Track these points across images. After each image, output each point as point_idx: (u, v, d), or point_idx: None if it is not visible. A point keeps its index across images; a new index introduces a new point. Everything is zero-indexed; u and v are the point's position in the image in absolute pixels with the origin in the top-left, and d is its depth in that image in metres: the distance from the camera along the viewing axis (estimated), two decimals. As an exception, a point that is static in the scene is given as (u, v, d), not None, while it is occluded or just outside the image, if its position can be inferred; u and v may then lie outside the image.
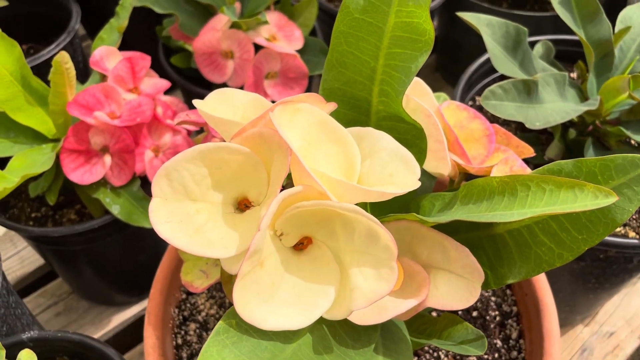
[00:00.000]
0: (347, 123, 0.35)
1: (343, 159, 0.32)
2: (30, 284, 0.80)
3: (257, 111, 0.34)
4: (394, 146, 0.32)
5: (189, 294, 0.53)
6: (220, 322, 0.27)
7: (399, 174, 0.31)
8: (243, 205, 0.31)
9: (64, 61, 0.52)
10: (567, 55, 0.69)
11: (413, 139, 0.35)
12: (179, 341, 0.49)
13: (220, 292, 0.52)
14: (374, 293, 0.28)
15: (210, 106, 0.33)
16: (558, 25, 0.82)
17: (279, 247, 0.30)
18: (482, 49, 0.71)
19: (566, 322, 0.73)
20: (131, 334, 0.76)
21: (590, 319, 0.76)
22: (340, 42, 0.35)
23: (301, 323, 0.28)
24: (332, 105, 0.33)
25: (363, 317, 0.31)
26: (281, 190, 0.28)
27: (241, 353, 0.27)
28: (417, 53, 0.33)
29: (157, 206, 0.29)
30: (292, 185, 0.29)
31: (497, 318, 0.51)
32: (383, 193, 0.28)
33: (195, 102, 0.33)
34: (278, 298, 0.28)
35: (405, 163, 0.31)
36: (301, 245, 0.31)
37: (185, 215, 0.29)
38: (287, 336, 0.29)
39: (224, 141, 0.44)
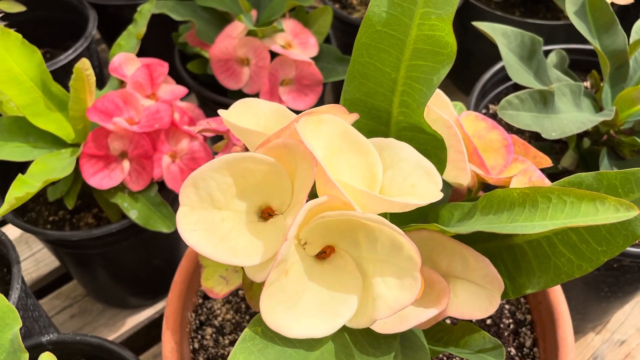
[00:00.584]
0: (367, 133, 0.35)
1: (365, 169, 0.32)
2: (45, 285, 0.81)
3: (279, 121, 0.35)
4: (416, 157, 0.32)
5: (205, 298, 0.53)
6: (246, 329, 0.28)
7: (421, 185, 0.31)
8: (266, 213, 0.32)
9: (84, 68, 0.53)
10: (580, 64, 0.69)
11: (433, 149, 0.35)
12: (196, 345, 0.50)
13: (237, 297, 0.53)
14: (397, 303, 0.28)
15: (234, 116, 0.34)
16: (571, 34, 0.82)
17: (302, 255, 0.30)
18: (494, 56, 0.71)
19: (577, 330, 0.73)
20: (144, 337, 0.77)
21: (601, 327, 0.76)
22: (362, 53, 0.35)
23: (324, 331, 0.29)
24: (355, 116, 0.34)
25: (384, 326, 0.31)
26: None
27: (267, 360, 0.27)
28: (439, 65, 0.33)
29: (184, 214, 0.30)
30: (312, 194, 0.30)
31: (511, 326, 0.51)
32: (406, 204, 0.29)
33: (221, 112, 0.33)
34: (302, 306, 0.29)
35: (427, 174, 0.31)
36: (324, 254, 0.31)
37: (211, 224, 0.30)
38: (310, 344, 0.30)
39: (245, 149, 0.44)
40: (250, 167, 0.30)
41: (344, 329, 0.31)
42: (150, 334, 0.77)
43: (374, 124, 0.37)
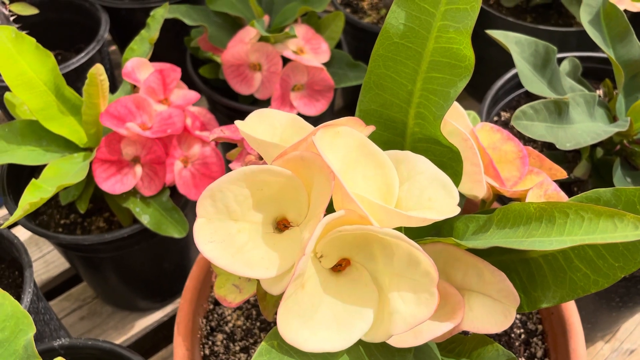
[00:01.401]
0: (382, 144, 0.35)
1: (381, 182, 0.32)
2: (55, 287, 0.81)
3: (295, 131, 0.35)
4: (433, 170, 0.32)
5: (216, 304, 0.53)
6: (262, 343, 0.28)
7: (437, 198, 0.31)
8: (282, 225, 0.32)
9: (99, 74, 0.53)
10: (593, 72, 0.69)
11: (449, 161, 0.35)
12: (207, 352, 0.50)
13: (247, 303, 0.53)
14: (414, 318, 0.28)
15: (250, 126, 0.34)
16: (582, 41, 0.82)
17: (318, 268, 0.30)
18: (504, 62, 0.71)
19: (587, 339, 0.73)
20: (152, 340, 0.77)
21: (610, 335, 0.76)
22: (379, 65, 0.35)
23: (340, 345, 0.28)
24: (371, 128, 0.34)
25: (399, 340, 0.31)
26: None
27: (283, 374, 0.27)
28: (456, 78, 0.33)
29: (202, 226, 0.30)
30: (328, 207, 0.30)
31: (522, 336, 0.51)
32: (424, 219, 0.29)
33: (237, 122, 0.33)
34: (318, 320, 0.29)
35: (444, 188, 0.31)
36: (339, 267, 0.31)
37: (228, 235, 0.30)
38: (326, 357, 0.30)
39: (260, 158, 0.44)
40: (267, 179, 0.30)
41: (359, 342, 0.31)
42: (158, 337, 0.77)
43: (389, 135, 0.37)
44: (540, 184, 0.36)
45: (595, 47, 0.80)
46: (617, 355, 0.74)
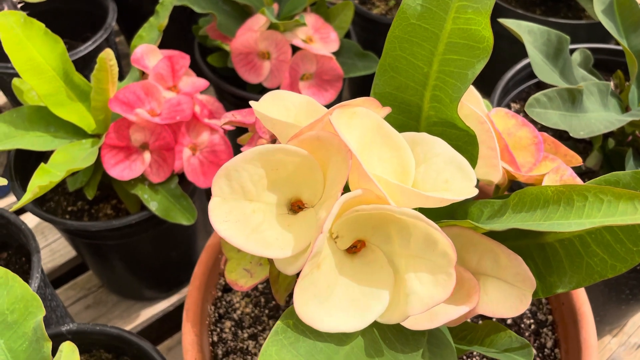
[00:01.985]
0: (396, 127, 0.35)
1: (397, 163, 0.32)
2: (61, 276, 0.81)
3: (309, 114, 0.34)
4: (450, 152, 0.32)
5: (224, 291, 0.53)
6: (278, 322, 0.28)
7: (454, 180, 0.31)
8: (296, 206, 0.32)
9: (108, 58, 0.52)
10: (604, 64, 0.68)
11: (464, 145, 0.35)
12: (215, 338, 0.50)
13: (256, 291, 0.53)
14: (431, 299, 0.28)
15: (264, 107, 0.34)
16: (592, 34, 0.81)
17: (334, 249, 0.30)
18: (513, 55, 0.71)
19: (595, 333, 0.72)
20: (157, 330, 0.77)
21: (618, 329, 0.75)
22: (395, 46, 0.35)
23: (356, 326, 0.28)
24: (387, 110, 0.34)
25: (414, 322, 0.31)
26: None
27: (298, 354, 0.27)
28: (474, 60, 0.33)
29: (216, 205, 0.29)
30: (344, 188, 0.30)
31: (532, 326, 0.51)
32: (442, 199, 0.29)
33: (252, 103, 0.33)
34: (333, 300, 0.29)
35: (461, 170, 0.31)
36: (354, 249, 0.31)
37: (242, 215, 0.30)
38: (340, 339, 0.29)
39: (272, 142, 0.44)
40: (283, 159, 0.30)
41: (373, 324, 0.31)
42: (163, 326, 0.77)
43: (403, 119, 0.37)
44: (556, 169, 0.36)
45: (605, 41, 0.79)
46: (625, 349, 0.74)
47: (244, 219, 0.30)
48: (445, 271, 0.28)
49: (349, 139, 0.29)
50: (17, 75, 0.68)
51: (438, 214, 0.39)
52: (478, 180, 0.41)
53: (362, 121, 0.32)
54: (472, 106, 0.35)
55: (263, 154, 0.30)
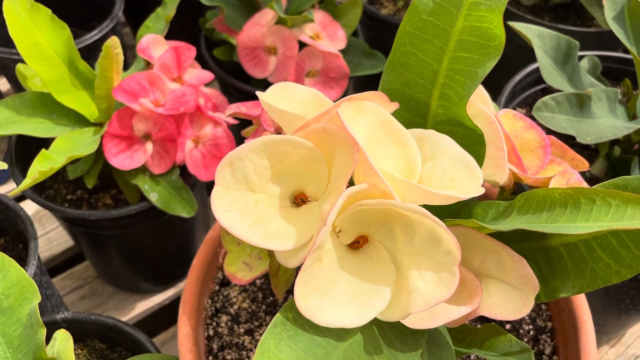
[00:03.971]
0: (403, 125, 0.34)
1: (403, 160, 0.32)
2: (57, 265, 0.81)
3: (316, 107, 0.34)
4: (457, 150, 0.31)
5: (222, 285, 0.53)
6: (277, 314, 0.27)
7: (461, 178, 0.30)
8: (299, 199, 0.31)
9: (114, 46, 0.52)
10: (612, 72, 0.68)
11: (472, 144, 0.35)
12: (210, 332, 0.49)
13: (253, 286, 0.52)
14: (434, 297, 0.27)
15: (271, 98, 0.33)
16: (600, 42, 0.81)
17: (336, 244, 0.29)
18: (519, 60, 0.70)
19: (592, 342, 0.72)
20: (152, 323, 0.77)
21: (616, 340, 0.75)
22: (404, 42, 0.34)
23: (356, 321, 0.28)
24: (395, 105, 0.33)
25: (416, 320, 0.30)
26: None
27: (297, 347, 0.27)
28: (485, 58, 0.32)
29: (219, 194, 0.29)
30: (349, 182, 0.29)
31: (531, 332, 0.50)
32: (448, 196, 0.28)
33: (259, 93, 0.33)
34: (334, 295, 0.28)
35: (467, 168, 0.31)
36: (357, 244, 0.30)
37: (245, 206, 0.29)
38: (340, 334, 0.29)
39: (277, 135, 0.44)
40: (288, 151, 0.30)
41: (373, 322, 0.30)
42: (158, 319, 0.77)
43: (410, 116, 0.37)
44: (563, 173, 0.35)
45: (613, 49, 0.79)
46: (622, 360, 0.73)
47: (247, 209, 0.29)
48: (449, 269, 0.27)
49: (356, 133, 0.29)
50: (21, 61, 0.67)
51: (441, 214, 0.38)
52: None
53: (369, 115, 0.31)
54: (481, 105, 0.34)
55: (268, 144, 0.29)
